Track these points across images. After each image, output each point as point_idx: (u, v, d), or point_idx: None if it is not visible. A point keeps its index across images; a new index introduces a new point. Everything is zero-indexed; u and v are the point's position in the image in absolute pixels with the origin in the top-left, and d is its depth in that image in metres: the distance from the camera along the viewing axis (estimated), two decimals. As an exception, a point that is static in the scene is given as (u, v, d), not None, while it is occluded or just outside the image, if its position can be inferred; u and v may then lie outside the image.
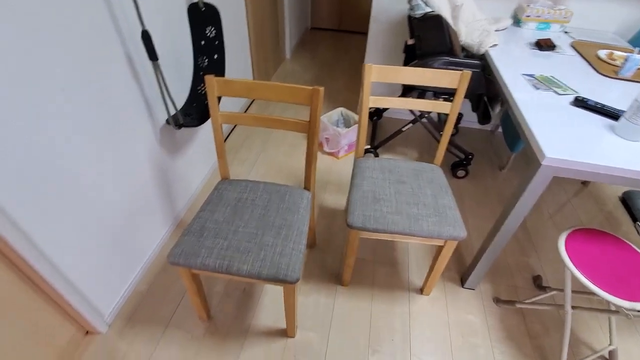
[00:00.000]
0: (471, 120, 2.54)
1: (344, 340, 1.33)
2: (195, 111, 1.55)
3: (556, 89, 1.33)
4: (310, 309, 1.42)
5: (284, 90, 1.12)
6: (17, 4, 0.81)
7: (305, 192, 1.32)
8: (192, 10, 1.54)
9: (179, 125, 1.42)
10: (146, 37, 1.15)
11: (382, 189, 1.32)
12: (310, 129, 1.18)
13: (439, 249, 1.29)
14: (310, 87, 1.09)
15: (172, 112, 1.50)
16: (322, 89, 1.09)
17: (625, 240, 1.17)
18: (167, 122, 1.47)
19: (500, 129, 2.54)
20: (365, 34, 4.25)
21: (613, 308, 1.26)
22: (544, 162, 1.01)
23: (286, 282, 1.05)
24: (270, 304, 1.43)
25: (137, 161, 1.35)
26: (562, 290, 1.44)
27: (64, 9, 0.94)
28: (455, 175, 2.11)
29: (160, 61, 1.39)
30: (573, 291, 1.26)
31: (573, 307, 1.20)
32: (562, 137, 1.07)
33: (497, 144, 2.44)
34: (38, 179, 0.94)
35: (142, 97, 1.32)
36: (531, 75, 1.43)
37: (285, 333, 1.35)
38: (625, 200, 2.05)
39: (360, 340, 1.34)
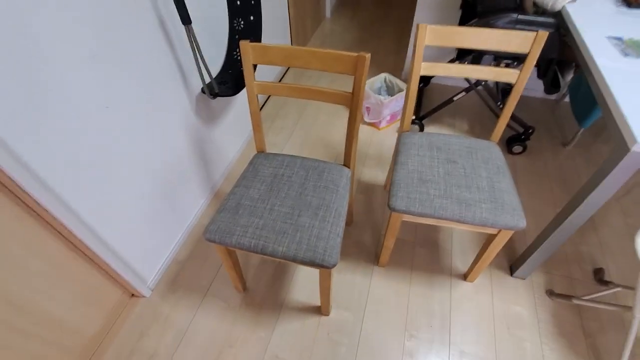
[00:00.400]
0: (533, 88, 2.25)
1: (380, 322, 1.29)
2: (230, 78, 1.48)
3: (654, 55, 1.09)
4: (345, 288, 1.39)
5: (327, 57, 1.00)
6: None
7: (344, 169, 1.23)
8: (227, -35, 1.42)
9: (214, 95, 1.36)
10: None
11: (430, 169, 1.20)
12: (353, 102, 1.07)
13: (491, 237, 1.17)
14: (356, 54, 0.97)
15: (207, 80, 1.43)
16: (368, 55, 0.96)
17: None
18: (202, 91, 1.41)
19: (567, 99, 2.23)
20: (413, -12, 3.85)
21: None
22: (633, 148, 0.84)
23: (323, 267, 1.00)
24: (304, 281, 1.41)
25: (173, 131, 1.32)
26: (627, 287, 1.28)
27: (91, -31, 0.87)
28: (510, 151, 1.91)
29: (194, 25, 1.30)
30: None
31: (645, 312, 1.05)
32: (661, 117, 0.88)
33: (561, 117, 2.16)
34: (77, 152, 0.93)
35: (176, 64, 1.25)
36: (619, 39, 1.19)
37: (319, 310, 1.33)
38: None
39: (397, 323, 1.29)
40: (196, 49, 1.20)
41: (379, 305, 1.34)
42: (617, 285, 1.30)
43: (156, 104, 1.19)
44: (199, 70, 1.24)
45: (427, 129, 2.05)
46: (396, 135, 2.04)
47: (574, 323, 1.29)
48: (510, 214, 1.06)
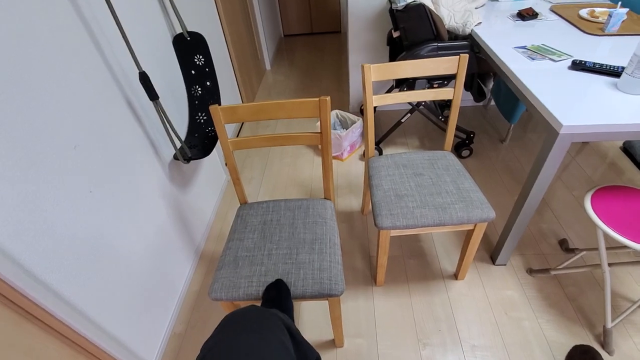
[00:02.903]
0: (464, 98, 2.57)
1: (393, 340, 1.33)
2: (198, 142, 1.54)
3: (551, 57, 1.35)
4: (352, 316, 1.42)
5: (292, 106, 1.10)
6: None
7: (327, 202, 1.31)
8: (178, 41, 1.53)
9: (188, 159, 1.40)
10: (144, 78, 1.13)
11: (402, 185, 1.32)
12: (323, 139, 1.18)
13: (469, 233, 1.30)
14: (317, 99, 1.09)
15: (179, 146, 1.48)
16: (328, 98, 1.08)
17: (647, 191, 1.19)
18: (175, 157, 1.45)
19: (492, 103, 2.57)
20: (337, 32, 4.27)
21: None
22: (561, 131, 1.03)
23: (331, 296, 1.04)
24: (310, 319, 1.42)
25: (154, 202, 1.32)
26: (591, 249, 1.47)
27: (70, 68, 0.92)
28: (460, 156, 2.13)
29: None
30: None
31: (609, 265, 1.22)
32: (571, 103, 1.09)
33: (491, 118, 2.47)
34: (67, 242, 0.92)
35: (146, 137, 1.30)
36: (523, 47, 1.45)
37: (333, 344, 1.34)
38: (627, 149, 2.10)
39: (409, 336, 1.34)
40: (166, 120, 1.26)
41: (387, 324, 1.38)
42: (582, 250, 1.48)
43: (134, 179, 1.21)
44: (170, 139, 1.29)
45: (385, 152, 2.23)
46: (359, 162, 2.19)
47: (557, 292, 1.43)
48: (480, 208, 1.20)
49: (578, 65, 1.26)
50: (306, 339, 1.35)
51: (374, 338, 1.34)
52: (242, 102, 1.29)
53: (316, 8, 4.05)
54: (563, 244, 1.59)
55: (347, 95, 2.89)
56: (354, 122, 2.22)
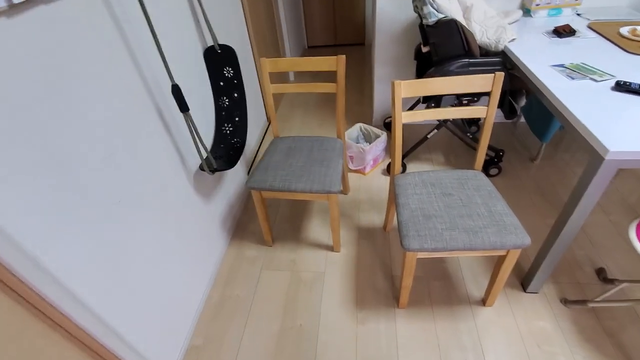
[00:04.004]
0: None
1: (416, 368, 1.27)
2: (223, 152, 1.54)
3: (592, 76, 1.29)
4: (372, 340, 1.37)
5: (317, 61, 1.55)
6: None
7: (338, 140, 1.71)
8: (209, 53, 1.55)
9: (213, 170, 1.40)
10: (176, 91, 1.14)
11: (431, 205, 1.27)
12: (338, 88, 1.59)
13: (501, 258, 1.24)
14: (335, 56, 1.53)
15: (204, 156, 1.48)
16: (344, 56, 1.52)
17: (700, 223, 1.11)
18: (201, 168, 1.46)
19: (522, 120, 2.49)
20: (361, 44, 4.27)
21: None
22: (607, 157, 0.96)
23: (330, 193, 1.43)
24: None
25: (177, 213, 1.33)
26: (633, 281, 1.37)
27: (107, 85, 0.93)
28: (488, 174, 2.05)
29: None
30: (650, 283, 1.19)
31: (657, 301, 1.13)
32: (616, 127, 1.03)
33: (521, 136, 2.39)
34: (94, 248, 0.93)
35: (174, 148, 1.31)
36: (561, 66, 1.39)
37: (332, 249, 1.70)
38: (670, 174, 1.98)
39: (432, 364, 1.27)
40: (194, 132, 1.26)
41: (410, 350, 1.32)
42: (622, 281, 1.38)
43: (161, 188, 1.22)
44: (197, 150, 1.29)
45: (409, 167, 2.18)
46: (382, 177, 2.14)
47: (594, 326, 1.33)
48: (515, 234, 1.14)
49: (622, 87, 1.20)
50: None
51: (396, 364, 1.29)
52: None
53: (341, 19, 4.07)
54: (601, 273, 1.50)
55: (370, 109, 2.87)
56: (377, 136, 2.18)
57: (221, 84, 1.57)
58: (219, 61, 1.54)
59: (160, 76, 1.21)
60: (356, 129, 2.28)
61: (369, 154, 2.07)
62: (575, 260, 1.57)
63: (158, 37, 1.18)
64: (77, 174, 0.87)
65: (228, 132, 1.60)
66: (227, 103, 1.59)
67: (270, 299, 1.54)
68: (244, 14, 2.18)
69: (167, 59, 1.23)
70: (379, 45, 2.28)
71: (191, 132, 1.24)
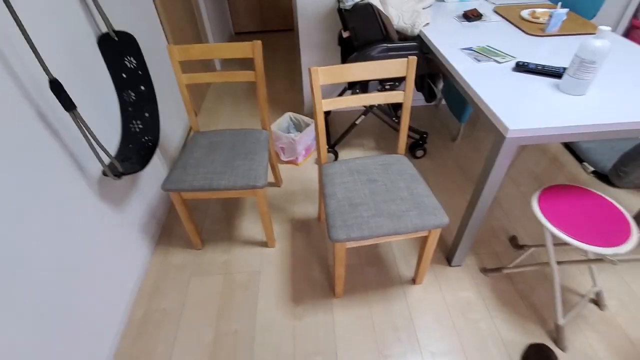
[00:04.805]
0: (415, 98, 2.58)
1: (353, 355, 1.28)
2: (133, 153, 1.38)
3: (496, 58, 1.36)
4: (311, 333, 1.35)
5: (231, 47, 1.44)
6: None
7: (263, 131, 1.65)
8: (104, 41, 1.36)
9: (119, 175, 1.25)
10: (57, 87, 0.97)
11: (357, 193, 1.27)
12: (257, 76, 1.50)
13: (424, 238, 1.28)
14: (250, 42, 1.42)
15: (107, 161, 1.31)
16: (259, 42, 1.41)
17: (589, 189, 1.24)
18: (104, 173, 1.29)
19: (443, 102, 2.61)
20: (291, 30, 4.17)
21: (592, 257, 1.34)
22: (508, 135, 1.02)
23: (256, 187, 1.37)
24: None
25: (86, 232, 1.16)
26: (539, 245, 1.51)
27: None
28: (414, 156, 2.13)
29: (80, 108, 1.20)
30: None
31: (558, 263, 1.25)
32: (516, 106, 1.09)
33: (443, 117, 2.51)
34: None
35: (66, 153, 1.13)
36: (470, 49, 1.45)
37: (265, 245, 1.66)
38: (568, 145, 2.22)
39: (369, 349, 1.29)
40: (87, 133, 1.10)
41: (347, 338, 1.33)
42: (531, 247, 1.52)
43: (55, 203, 1.05)
44: (95, 154, 1.13)
45: (341, 155, 2.18)
46: (315, 166, 2.12)
47: (510, 290, 1.46)
48: (434, 215, 1.18)
49: (521, 67, 1.28)
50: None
51: (334, 354, 1.28)
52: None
53: (267, 3, 3.92)
54: (513, 240, 1.63)
55: (301, 97, 2.81)
56: (308, 125, 2.14)
57: (124, 75, 1.39)
58: (118, 50, 1.36)
59: (37, 71, 1.03)
60: (286, 119, 2.22)
61: (299, 144, 2.03)
62: (493, 231, 1.70)
63: (24, 24, 0.99)
64: None
65: (137, 129, 1.43)
66: (133, 97, 1.42)
67: (202, 307, 1.44)
68: (151, -4, 1.96)
69: (40, 50, 1.05)
70: (303, 32, 2.21)
71: (83, 133, 1.08)
